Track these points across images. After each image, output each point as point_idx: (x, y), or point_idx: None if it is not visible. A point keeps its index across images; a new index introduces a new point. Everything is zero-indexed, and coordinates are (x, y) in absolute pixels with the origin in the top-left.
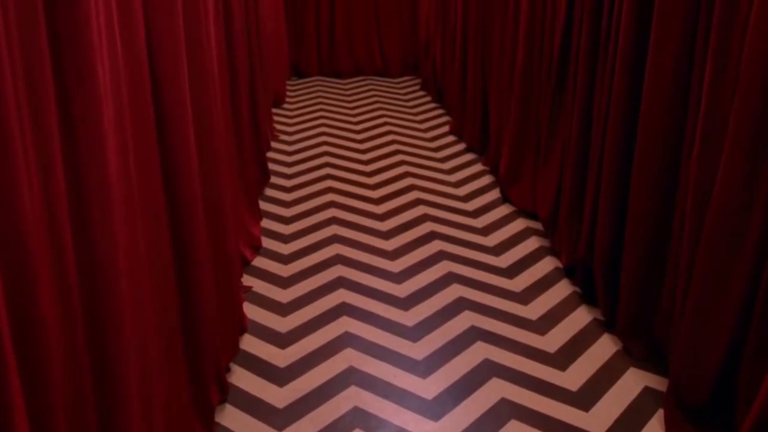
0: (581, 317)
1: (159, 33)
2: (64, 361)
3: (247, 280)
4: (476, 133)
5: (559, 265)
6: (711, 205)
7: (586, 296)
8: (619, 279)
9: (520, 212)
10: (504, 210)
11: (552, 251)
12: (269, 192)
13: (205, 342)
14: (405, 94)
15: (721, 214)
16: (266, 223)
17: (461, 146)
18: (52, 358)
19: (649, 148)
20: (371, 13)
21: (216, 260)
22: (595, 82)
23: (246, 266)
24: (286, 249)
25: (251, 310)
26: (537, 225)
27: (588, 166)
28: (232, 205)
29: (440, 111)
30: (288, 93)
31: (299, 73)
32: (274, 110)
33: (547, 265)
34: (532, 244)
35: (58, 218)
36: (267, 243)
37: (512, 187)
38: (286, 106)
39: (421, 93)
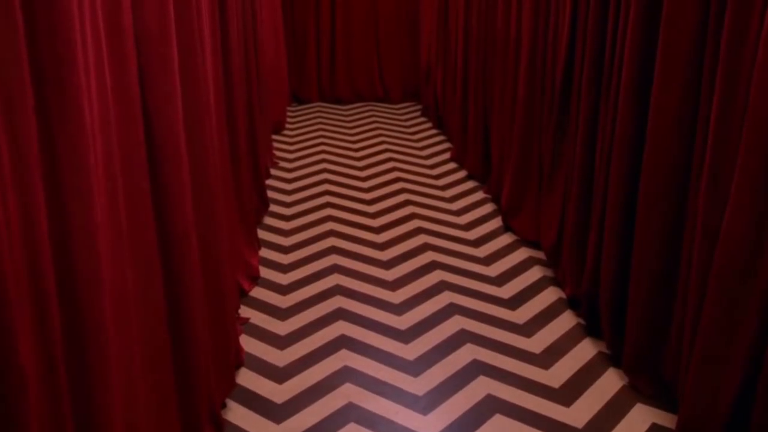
0: (586, 351)
1: (151, 65)
2: (45, 412)
3: (245, 311)
4: (478, 160)
5: (563, 296)
6: (720, 241)
7: (590, 329)
8: (626, 312)
9: (523, 242)
10: (506, 239)
11: (555, 282)
12: (268, 220)
13: (199, 382)
14: (406, 121)
15: (730, 251)
16: (265, 252)
17: (462, 174)
18: (31, 409)
19: (655, 183)
20: (372, 38)
21: (211, 295)
22: (598, 114)
23: (243, 297)
24: (284, 279)
25: (248, 343)
26: (540, 255)
27: (592, 197)
28: (228, 236)
29: (441, 138)
30: (288, 119)
31: (299, 100)
32: (274, 137)
33: (550, 296)
34: (534, 274)
35: (41, 262)
36: (265, 273)
37: (514, 217)
38: (286, 132)
39: (422, 119)
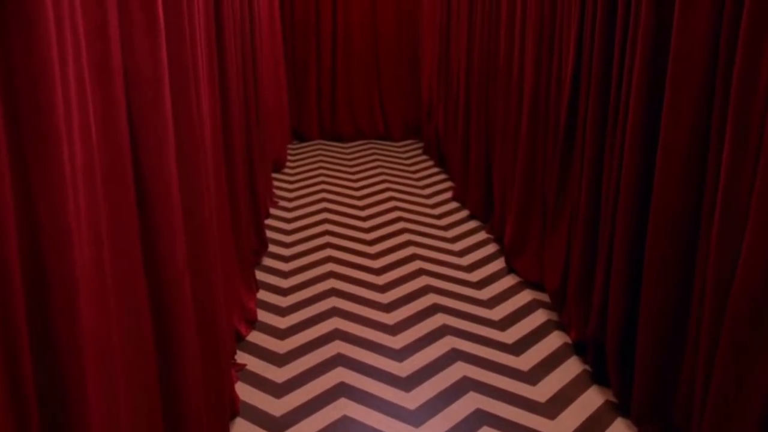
0: (593, 399)
1: (142, 108)
2: None
3: (241, 357)
4: (480, 199)
5: (568, 340)
6: (734, 289)
7: (597, 376)
8: (634, 359)
9: (526, 283)
10: (509, 281)
11: (560, 326)
12: (267, 261)
13: None
14: (407, 159)
15: (744, 299)
16: (263, 294)
17: (464, 213)
18: None
19: (664, 226)
20: (373, 76)
21: (205, 343)
22: (603, 154)
23: (240, 342)
24: (282, 323)
25: (244, 391)
26: (544, 297)
27: (598, 240)
28: (225, 280)
29: (443, 176)
30: (289, 157)
31: (301, 137)
32: (274, 175)
33: (555, 340)
34: (539, 317)
35: (13, 321)
36: (263, 316)
37: (518, 258)
38: (286, 171)
39: (424, 157)
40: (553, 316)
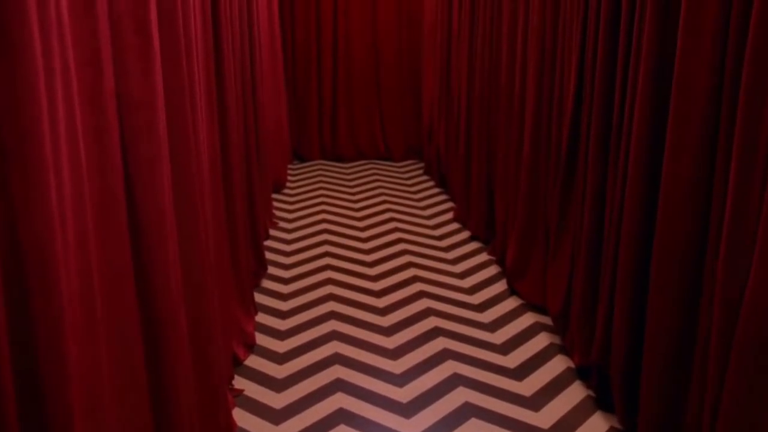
0: (597, 425)
1: (135, 133)
2: None
3: (239, 382)
4: (481, 221)
5: (572, 365)
6: (742, 315)
7: (601, 401)
8: (639, 383)
9: (529, 306)
10: (511, 303)
11: (563, 350)
12: (266, 283)
13: None
14: (408, 179)
15: (753, 324)
16: (262, 317)
17: (466, 234)
18: None
19: (669, 251)
20: (373, 96)
21: (201, 372)
22: (606, 178)
23: (238, 366)
24: (281, 347)
25: (242, 417)
26: (546, 320)
27: (601, 264)
28: (222, 304)
29: (444, 197)
30: (289, 178)
31: (301, 158)
32: (274, 196)
33: (558, 365)
34: (541, 341)
35: None
36: (261, 340)
37: (520, 280)
38: (286, 191)
39: (425, 178)
40: (556, 340)
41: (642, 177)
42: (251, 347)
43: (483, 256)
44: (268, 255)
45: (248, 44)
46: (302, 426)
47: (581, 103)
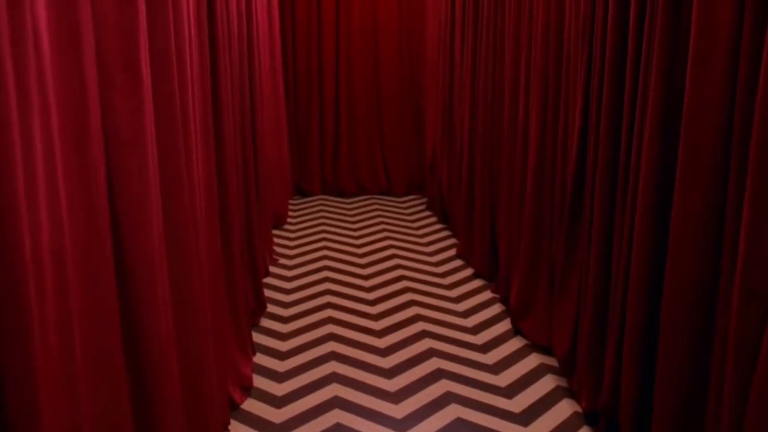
0: None
1: (123, 173)
2: None
3: (235, 427)
4: (485, 258)
5: (579, 409)
6: (759, 364)
7: None
8: (650, 430)
9: (534, 346)
10: (516, 344)
11: (570, 393)
12: (265, 322)
13: None
14: (410, 215)
15: None
16: (260, 358)
17: (469, 271)
18: None
19: (680, 292)
20: (375, 130)
21: (193, 419)
22: (614, 217)
23: (234, 410)
24: (279, 389)
25: None
26: (552, 361)
27: (609, 306)
28: (218, 346)
29: (447, 233)
30: (290, 213)
31: (302, 192)
32: (274, 231)
33: (564, 409)
34: (547, 384)
35: None
36: (259, 382)
37: (524, 319)
38: (287, 227)
39: (427, 213)
40: (563, 383)
41: (651, 214)
42: (248, 390)
43: (486, 294)
44: (268, 292)
45: (248, 78)
46: None
47: (586, 140)
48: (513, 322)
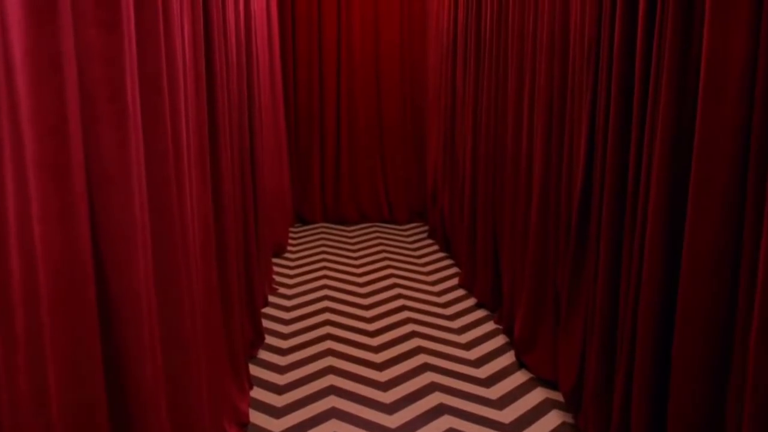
0: None
1: (107, 210)
2: None
3: None
4: (488, 288)
5: None
6: None
7: None
8: None
9: (539, 381)
10: (520, 377)
11: (576, 429)
12: (263, 354)
13: None
14: (412, 243)
15: None
16: (257, 392)
17: (471, 301)
18: None
19: (693, 327)
20: (377, 158)
21: None
22: (621, 248)
23: None
24: (276, 425)
25: None
26: (558, 396)
27: (617, 340)
28: (213, 381)
29: (449, 261)
30: (290, 241)
31: (303, 220)
32: (274, 260)
33: None
34: (553, 420)
35: None
36: (256, 417)
37: (529, 352)
38: (287, 255)
39: (429, 241)
40: (569, 419)
41: (661, 246)
42: (245, 426)
43: (490, 325)
44: (266, 323)
45: (247, 108)
46: None
47: (592, 168)
48: (517, 355)
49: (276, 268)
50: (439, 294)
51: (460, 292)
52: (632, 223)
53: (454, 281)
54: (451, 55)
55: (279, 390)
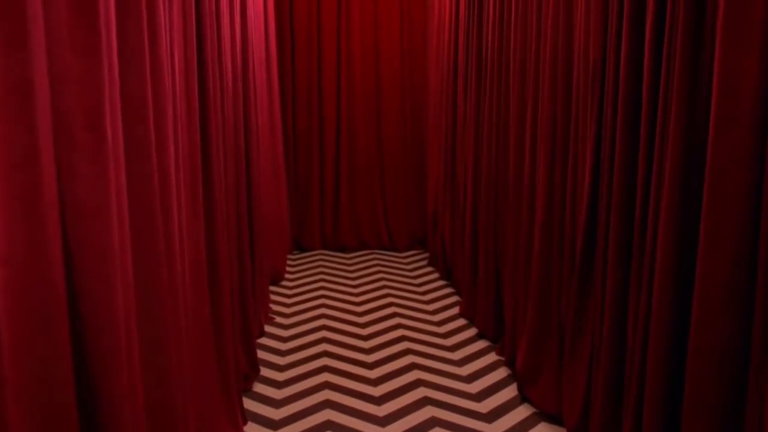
0: None
1: (83, 242)
2: None
3: None
4: (489, 317)
5: None
6: None
7: None
8: None
9: (542, 415)
10: (523, 412)
11: None
12: (258, 387)
13: None
14: (411, 270)
15: None
16: (251, 427)
17: (473, 331)
18: None
19: (705, 366)
20: (377, 184)
21: None
22: (629, 278)
23: None
24: None
25: None
26: (562, 431)
27: (624, 371)
28: (203, 416)
29: (449, 290)
30: (288, 268)
31: (301, 247)
32: (272, 288)
33: None
34: None
35: None
36: None
37: (532, 385)
38: (285, 283)
39: (429, 269)
40: None
41: (671, 278)
42: None
43: (491, 357)
44: (262, 354)
45: (243, 132)
46: None
47: (597, 196)
48: (520, 388)
49: (273, 297)
50: (439, 324)
51: (461, 321)
52: (640, 254)
53: (455, 310)
54: (451, 78)
55: (274, 425)
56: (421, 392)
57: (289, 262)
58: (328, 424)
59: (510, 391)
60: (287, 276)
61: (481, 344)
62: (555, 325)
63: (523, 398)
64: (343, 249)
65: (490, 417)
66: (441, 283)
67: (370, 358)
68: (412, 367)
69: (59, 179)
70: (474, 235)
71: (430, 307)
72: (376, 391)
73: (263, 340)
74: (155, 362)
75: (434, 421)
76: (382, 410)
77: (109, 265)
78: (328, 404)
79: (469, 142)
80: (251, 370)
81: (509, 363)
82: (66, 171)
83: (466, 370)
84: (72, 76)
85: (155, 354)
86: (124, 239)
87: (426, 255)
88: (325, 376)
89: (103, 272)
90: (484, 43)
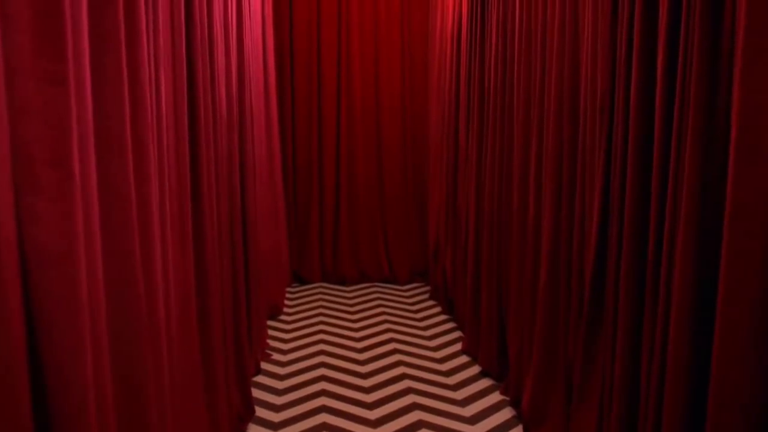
0: None
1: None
2: None
3: None
4: (493, 354)
5: None
6: None
7: None
8: None
9: None
10: None
11: None
12: (253, 429)
13: None
14: (413, 304)
15: None
16: None
17: (476, 369)
18: None
19: (726, 418)
20: (377, 216)
21: None
22: (643, 318)
23: None
24: None
25: None
26: None
27: (639, 415)
28: None
29: (451, 324)
30: (287, 302)
31: (300, 279)
32: (270, 322)
33: None
34: None
35: None
36: None
37: (538, 428)
38: (283, 317)
39: (431, 303)
40: None
41: (688, 321)
42: None
43: (495, 396)
44: (257, 393)
45: (238, 163)
46: None
47: (607, 234)
48: (525, 430)
49: (271, 332)
50: (441, 361)
51: (464, 358)
52: (654, 293)
53: (457, 347)
54: (453, 111)
55: None
56: None
57: (288, 296)
58: None
59: None
60: (286, 310)
61: (485, 383)
62: (562, 364)
63: None
64: (344, 281)
65: None
66: (443, 317)
67: (370, 398)
68: (414, 407)
69: (18, 220)
70: (476, 269)
71: (432, 343)
72: None
73: (259, 378)
74: (131, 417)
75: None
76: None
77: (76, 316)
78: None
79: (471, 176)
80: (246, 410)
81: (514, 402)
82: (26, 211)
83: (469, 411)
84: (34, 107)
85: (131, 408)
86: (95, 285)
87: (427, 288)
88: (323, 417)
89: (70, 324)
90: (487, 74)
